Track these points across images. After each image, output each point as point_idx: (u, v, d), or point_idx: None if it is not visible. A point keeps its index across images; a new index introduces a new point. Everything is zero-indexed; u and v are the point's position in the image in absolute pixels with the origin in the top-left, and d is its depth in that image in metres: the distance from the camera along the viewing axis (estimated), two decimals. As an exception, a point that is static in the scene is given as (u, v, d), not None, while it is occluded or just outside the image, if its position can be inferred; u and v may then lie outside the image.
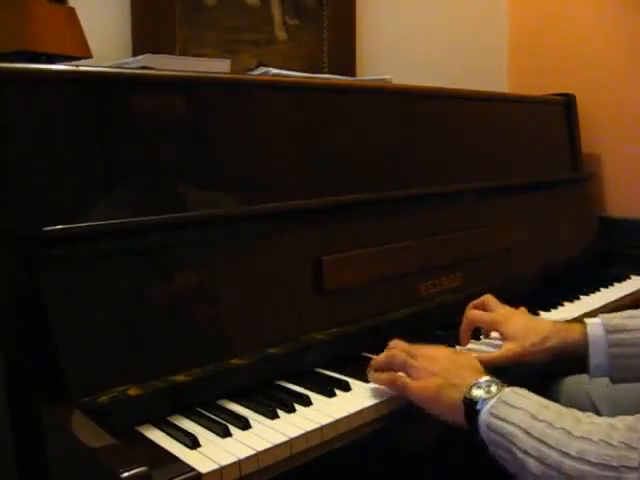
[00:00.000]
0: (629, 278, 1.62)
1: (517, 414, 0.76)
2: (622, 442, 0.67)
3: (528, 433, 0.73)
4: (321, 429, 0.85)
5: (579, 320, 1.05)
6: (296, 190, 1.13)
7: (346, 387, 0.96)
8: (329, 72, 1.70)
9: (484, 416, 0.79)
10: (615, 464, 0.66)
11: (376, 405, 0.92)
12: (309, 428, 0.84)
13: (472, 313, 1.12)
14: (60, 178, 0.88)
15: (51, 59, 1.14)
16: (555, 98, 1.85)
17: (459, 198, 1.39)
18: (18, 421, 0.86)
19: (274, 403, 0.89)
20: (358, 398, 0.93)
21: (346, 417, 0.88)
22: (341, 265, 1.12)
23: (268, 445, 0.79)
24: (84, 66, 0.94)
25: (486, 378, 0.84)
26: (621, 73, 1.86)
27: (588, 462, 0.67)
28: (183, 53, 1.47)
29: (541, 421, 0.73)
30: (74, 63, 1.11)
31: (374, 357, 0.99)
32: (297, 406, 0.89)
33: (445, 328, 1.20)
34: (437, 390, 0.86)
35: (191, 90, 1.04)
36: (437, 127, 1.43)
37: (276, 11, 1.64)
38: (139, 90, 0.98)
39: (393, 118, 1.33)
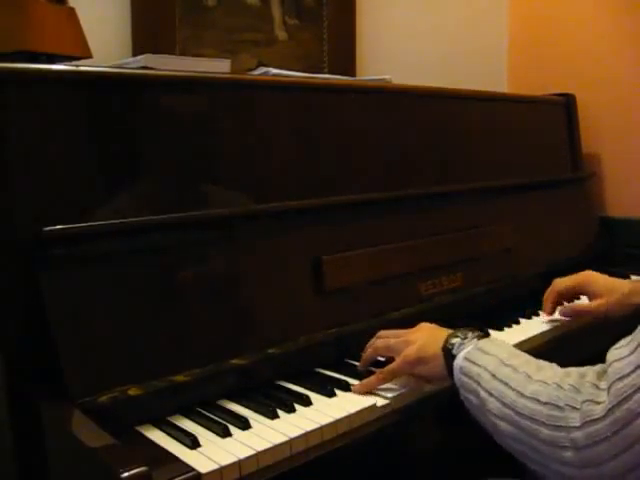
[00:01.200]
0: (629, 278, 1.62)
1: (487, 358, 0.82)
2: (571, 385, 0.71)
3: (493, 375, 0.79)
4: (321, 429, 0.85)
5: None
6: (296, 190, 1.13)
7: (346, 387, 0.96)
8: (329, 72, 1.70)
9: (459, 360, 0.85)
10: (561, 404, 0.70)
11: (376, 405, 0.92)
12: (309, 428, 0.84)
13: (557, 282, 1.23)
14: (60, 178, 0.88)
15: (51, 59, 1.14)
16: (555, 98, 1.85)
17: (459, 198, 1.39)
18: (18, 421, 0.86)
19: (274, 403, 0.89)
20: (358, 398, 0.93)
21: (346, 417, 0.88)
22: (341, 265, 1.12)
23: (268, 445, 0.79)
24: (84, 66, 0.95)
25: (464, 329, 0.90)
26: (621, 73, 1.86)
27: (539, 402, 0.72)
28: (183, 53, 1.47)
29: (508, 366, 0.79)
30: (74, 63, 1.10)
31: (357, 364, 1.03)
32: (297, 406, 0.90)
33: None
34: (418, 352, 0.93)
35: (191, 90, 1.04)
36: (437, 127, 1.43)
37: (276, 11, 1.64)
38: (139, 90, 0.98)
39: (393, 118, 1.33)
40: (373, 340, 1.02)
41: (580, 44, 1.96)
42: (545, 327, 1.25)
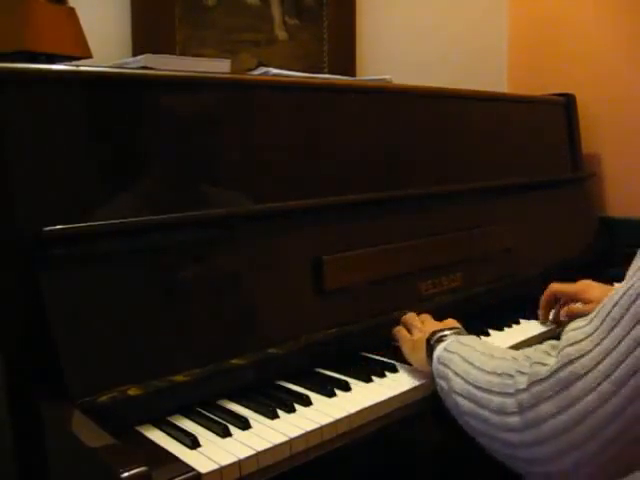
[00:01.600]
0: (629, 278, 1.61)
1: (463, 347, 0.87)
2: (525, 355, 0.75)
3: (463, 358, 0.84)
4: (321, 429, 0.85)
5: None
6: (296, 190, 1.13)
7: (346, 387, 0.96)
8: (329, 72, 1.70)
9: (438, 351, 0.91)
10: (512, 372, 0.74)
11: (376, 405, 0.92)
12: (309, 428, 0.84)
13: (555, 285, 1.25)
14: (60, 178, 0.88)
15: (51, 59, 1.14)
16: (555, 98, 1.85)
17: (459, 198, 1.39)
18: (18, 421, 0.86)
19: (274, 403, 0.89)
20: (358, 398, 0.93)
21: (346, 417, 0.88)
22: (341, 265, 1.12)
23: (268, 445, 0.79)
24: (84, 66, 0.94)
25: (454, 326, 0.98)
26: (621, 73, 1.86)
27: (495, 374, 0.77)
28: (183, 53, 1.47)
29: (479, 352, 0.84)
30: (74, 63, 1.11)
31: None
32: (297, 406, 0.90)
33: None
34: (417, 340, 1.00)
35: (191, 90, 1.04)
36: (437, 127, 1.43)
37: (276, 11, 1.64)
38: (139, 90, 0.98)
39: (393, 118, 1.33)
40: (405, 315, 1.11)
41: (580, 44, 1.96)
42: (545, 327, 1.26)
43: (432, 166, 1.39)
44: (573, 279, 1.52)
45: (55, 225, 0.84)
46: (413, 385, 0.98)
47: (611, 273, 1.62)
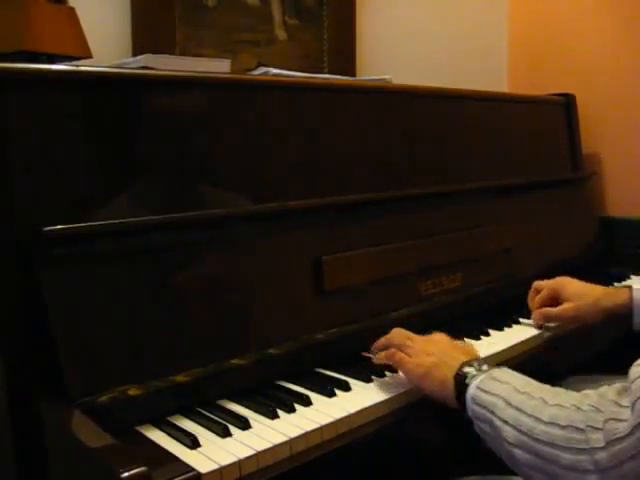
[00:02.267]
0: (629, 278, 1.62)
1: (501, 387, 0.79)
2: (591, 406, 0.69)
3: (508, 403, 0.76)
4: (321, 429, 0.85)
5: (627, 286, 1.20)
6: (296, 190, 1.13)
7: (346, 387, 0.96)
8: (329, 72, 1.70)
9: (472, 390, 0.82)
10: (582, 426, 0.68)
11: (376, 405, 0.92)
12: (309, 428, 0.84)
13: (536, 282, 1.28)
14: (60, 178, 0.88)
15: (51, 59, 1.14)
16: (555, 98, 1.85)
17: (459, 198, 1.39)
18: (18, 421, 0.86)
19: (274, 403, 0.89)
20: (358, 398, 0.93)
21: (346, 417, 0.88)
22: (341, 265, 1.12)
23: (268, 445, 0.79)
24: (84, 66, 0.94)
25: (479, 358, 0.90)
26: (621, 73, 1.86)
27: (558, 426, 0.70)
28: (183, 53, 1.47)
29: (522, 393, 0.77)
30: (74, 63, 1.11)
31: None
32: (297, 406, 0.90)
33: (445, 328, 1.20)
34: (430, 367, 0.91)
35: (191, 90, 1.04)
36: (437, 127, 1.43)
37: (276, 11, 1.64)
38: (139, 90, 0.98)
39: (393, 118, 1.33)
40: (389, 334, 1.02)
41: (580, 44, 1.96)
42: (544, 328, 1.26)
43: (432, 166, 1.39)
44: (573, 279, 1.52)
45: (55, 225, 0.84)
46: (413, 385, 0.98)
47: (611, 273, 1.63)
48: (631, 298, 1.15)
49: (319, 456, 0.84)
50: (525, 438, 0.73)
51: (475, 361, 0.87)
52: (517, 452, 0.73)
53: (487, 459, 0.81)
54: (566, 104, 1.86)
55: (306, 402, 0.91)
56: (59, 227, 0.84)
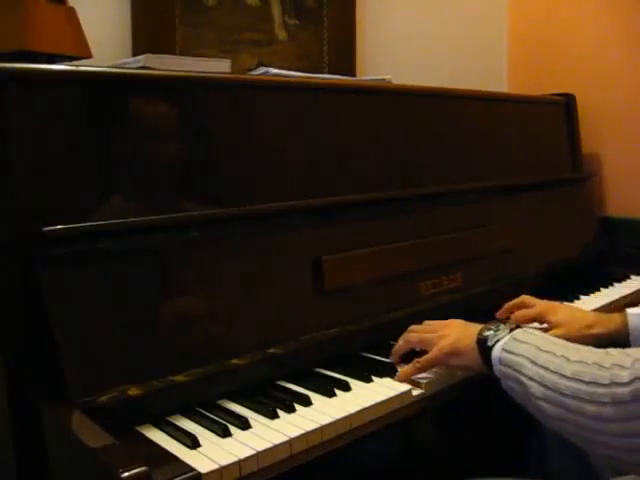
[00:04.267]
0: (629, 278, 1.62)
1: (525, 347, 0.85)
2: (614, 364, 0.73)
3: (533, 362, 0.82)
4: (321, 429, 0.85)
5: (620, 310, 1.15)
6: (296, 190, 1.13)
7: (346, 387, 0.96)
8: (329, 72, 1.70)
9: (496, 352, 0.89)
10: (606, 382, 0.72)
11: (376, 405, 0.92)
12: (309, 428, 0.84)
13: (517, 314, 1.18)
14: (60, 178, 0.88)
15: (51, 59, 1.14)
16: (555, 98, 1.85)
17: (459, 198, 1.39)
18: (18, 421, 0.86)
19: (274, 403, 0.89)
20: (358, 398, 0.93)
21: (346, 417, 0.88)
22: (341, 265, 1.12)
23: (268, 445, 0.79)
24: (84, 66, 0.94)
25: (495, 322, 0.95)
26: (621, 73, 1.86)
27: (582, 381, 0.75)
28: (183, 53, 1.47)
29: (546, 352, 0.82)
30: (74, 63, 1.11)
31: (393, 347, 1.06)
32: (297, 406, 0.90)
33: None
34: (452, 344, 0.97)
35: (191, 90, 1.04)
36: (437, 127, 1.43)
37: (276, 11, 1.64)
38: (139, 90, 0.98)
39: (393, 118, 1.33)
40: (405, 334, 1.06)
41: (580, 44, 1.96)
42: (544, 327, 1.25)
43: (432, 166, 1.39)
44: (573, 279, 1.52)
45: (55, 225, 0.84)
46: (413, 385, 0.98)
47: (611, 273, 1.63)
48: (626, 324, 1.09)
49: (319, 456, 0.84)
50: (551, 392, 0.78)
51: (492, 324, 0.94)
52: (544, 405, 0.79)
53: (487, 458, 0.81)
54: (566, 104, 1.86)
55: (306, 402, 0.91)
56: (59, 227, 0.84)
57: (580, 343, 1.11)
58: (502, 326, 0.93)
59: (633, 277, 1.62)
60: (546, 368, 0.80)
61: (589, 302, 1.41)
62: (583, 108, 1.88)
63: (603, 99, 1.90)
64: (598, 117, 1.91)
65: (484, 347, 0.91)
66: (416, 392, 0.97)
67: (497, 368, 0.88)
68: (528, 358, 0.83)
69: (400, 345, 1.05)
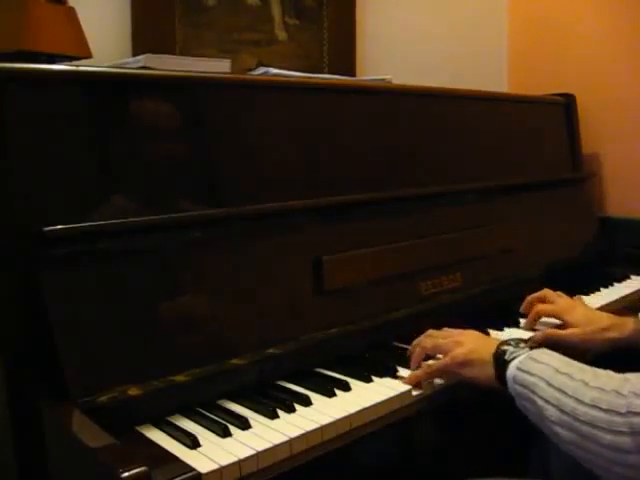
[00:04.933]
0: (629, 278, 1.62)
1: (541, 367, 0.83)
2: (632, 392, 0.72)
3: (549, 384, 0.80)
4: (321, 429, 0.85)
5: (633, 314, 1.16)
6: (296, 190, 1.13)
7: (346, 387, 0.96)
8: (329, 72, 1.70)
9: (512, 370, 0.87)
10: (623, 410, 0.71)
11: (376, 405, 0.92)
12: (309, 428, 0.84)
13: (538, 307, 1.22)
14: (60, 178, 0.88)
15: (51, 59, 1.14)
16: (555, 98, 1.85)
17: (459, 198, 1.39)
18: (18, 421, 0.86)
19: (274, 403, 0.89)
20: (358, 398, 0.93)
21: (346, 417, 0.88)
22: (341, 265, 1.12)
23: (268, 445, 0.79)
24: (84, 66, 0.94)
25: (514, 339, 0.93)
26: (621, 73, 1.86)
27: (599, 409, 0.73)
28: (183, 53, 1.47)
29: (562, 374, 0.80)
30: (74, 63, 1.11)
31: (404, 346, 1.08)
32: (297, 406, 0.89)
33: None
34: (467, 355, 0.96)
35: (191, 90, 1.04)
36: (437, 127, 1.43)
37: (276, 11, 1.64)
38: (139, 90, 0.98)
39: (393, 118, 1.33)
40: (421, 338, 1.05)
41: (580, 44, 1.96)
42: (544, 327, 1.25)
43: (432, 166, 1.39)
44: (573, 279, 1.52)
45: (55, 225, 0.84)
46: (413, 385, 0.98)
47: (611, 273, 1.63)
48: (638, 330, 1.11)
49: (319, 456, 0.84)
50: (567, 418, 0.76)
51: (512, 340, 0.92)
52: (559, 430, 0.78)
53: (488, 458, 0.81)
54: (566, 104, 1.86)
55: (306, 402, 0.91)
56: (59, 227, 0.84)
57: (594, 345, 1.13)
58: (522, 344, 0.91)
59: (633, 277, 1.62)
60: (563, 392, 0.78)
61: (589, 302, 1.40)
62: (583, 108, 1.88)
63: (603, 99, 1.90)
64: (598, 117, 1.91)
65: (500, 362, 0.90)
66: (416, 392, 0.97)
67: (512, 387, 0.86)
68: (544, 379, 0.81)
69: (417, 352, 1.03)
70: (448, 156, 1.44)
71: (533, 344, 0.92)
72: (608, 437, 0.72)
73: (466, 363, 0.95)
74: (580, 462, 0.78)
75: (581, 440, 0.75)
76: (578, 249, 1.70)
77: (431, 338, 1.04)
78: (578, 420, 0.75)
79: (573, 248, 1.68)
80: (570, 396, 0.77)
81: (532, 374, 0.83)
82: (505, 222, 1.46)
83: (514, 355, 0.88)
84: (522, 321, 1.27)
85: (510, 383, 0.86)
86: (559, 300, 1.22)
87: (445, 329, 1.06)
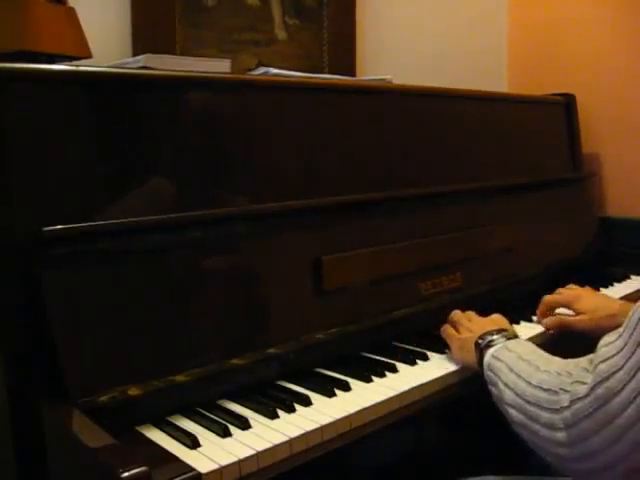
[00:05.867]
0: (629, 278, 1.62)
1: (509, 355, 0.89)
2: (567, 371, 0.77)
3: (511, 368, 0.86)
4: (321, 429, 0.85)
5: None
6: (296, 190, 1.13)
7: (346, 387, 0.96)
8: (329, 72, 1.70)
9: (487, 358, 0.93)
10: (556, 389, 0.75)
11: (376, 405, 0.92)
12: (309, 428, 0.84)
13: (547, 297, 1.27)
14: (60, 178, 0.88)
15: (51, 59, 1.14)
16: (555, 98, 1.85)
17: (459, 198, 1.39)
18: (18, 421, 0.86)
19: (274, 403, 0.89)
20: (358, 398, 0.93)
21: (346, 417, 0.88)
22: (341, 265, 1.12)
23: (268, 445, 0.79)
24: (84, 66, 0.94)
25: (502, 329, 0.99)
26: (621, 73, 1.86)
27: (542, 389, 0.78)
28: (183, 53, 1.46)
29: (524, 360, 0.85)
30: (74, 63, 1.10)
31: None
32: (297, 406, 0.90)
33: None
34: (465, 340, 1.03)
35: (191, 90, 1.04)
36: (437, 127, 1.43)
37: (276, 11, 1.64)
38: (139, 90, 0.98)
39: (393, 118, 1.33)
40: (452, 313, 1.14)
41: (580, 44, 1.96)
42: (543, 328, 1.25)
43: (432, 166, 1.39)
44: (573, 279, 1.52)
45: (55, 225, 0.84)
46: (413, 385, 0.98)
47: (611, 273, 1.63)
48: None
49: (319, 456, 0.84)
50: (519, 399, 0.81)
51: (495, 331, 0.98)
52: (511, 411, 0.82)
53: (487, 457, 0.81)
54: (566, 104, 1.86)
55: (306, 402, 0.91)
56: (59, 227, 0.84)
57: (603, 331, 1.16)
58: (503, 333, 0.97)
59: (633, 277, 1.62)
60: (519, 376, 0.83)
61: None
62: (583, 108, 1.88)
63: (603, 99, 1.90)
64: (598, 117, 1.91)
65: (479, 350, 0.97)
66: (416, 392, 0.97)
67: (486, 373, 0.92)
68: (507, 365, 0.87)
69: (449, 318, 1.14)
70: (448, 156, 1.44)
71: (514, 333, 0.98)
72: (545, 415, 0.75)
73: (461, 348, 1.03)
74: (528, 444, 0.81)
75: (526, 420, 0.79)
76: (578, 249, 1.70)
77: (459, 315, 1.12)
78: (526, 401, 0.79)
79: (573, 248, 1.68)
80: (524, 379, 0.82)
81: (500, 360, 0.89)
82: (505, 222, 1.46)
83: (492, 343, 0.95)
84: (522, 322, 1.27)
85: (485, 370, 0.92)
86: (567, 290, 1.27)
87: (469, 312, 1.13)
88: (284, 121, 1.15)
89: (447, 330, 1.10)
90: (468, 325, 1.07)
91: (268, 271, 1.03)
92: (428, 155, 1.39)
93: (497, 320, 1.06)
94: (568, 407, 0.72)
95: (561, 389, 0.74)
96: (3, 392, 0.85)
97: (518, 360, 0.86)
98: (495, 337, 0.96)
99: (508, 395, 0.83)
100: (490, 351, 0.94)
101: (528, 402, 0.79)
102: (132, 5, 1.42)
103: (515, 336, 0.98)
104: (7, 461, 0.87)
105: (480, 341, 0.97)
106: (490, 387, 0.90)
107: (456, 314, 1.13)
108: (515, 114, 1.69)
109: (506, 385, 0.85)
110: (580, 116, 1.88)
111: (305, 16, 1.69)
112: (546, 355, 0.87)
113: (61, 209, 0.87)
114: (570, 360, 0.80)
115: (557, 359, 0.84)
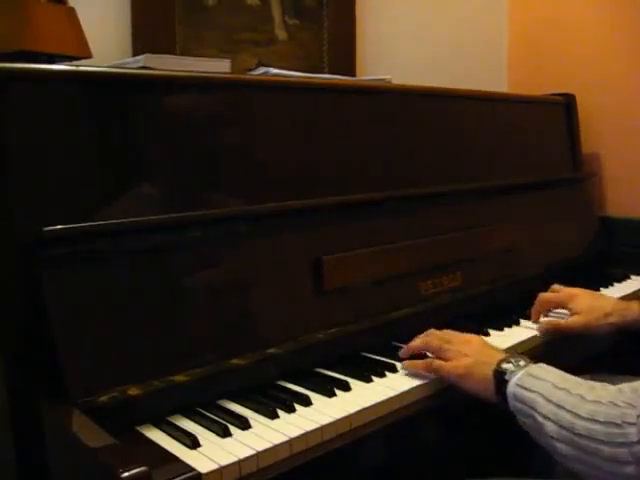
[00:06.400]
0: (629, 278, 1.62)
1: (540, 384, 0.84)
2: (626, 402, 0.73)
3: (548, 399, 0.81)
4: (321, 429, 0.85)
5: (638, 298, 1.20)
6: (296, 190, 1.13)
7: (346, 387, 0.96)
8: (329, 72, 1.70)
9: (511, 387, 0.87)
10: (618, 421, 0.72)
11: (376, 405, 0.92)
12: (309, 428, 0.84)
13: (542, 295, 1.26)
14: (60, 178, 0.88)
15: (51, 59, 1.14)
16: (555, 98, 1.85)
17: (459, 198, 1.39)
18: (18, 421, 0.86)
19: (274, 403, 0.89)
20: (358, 398, 0.93)
21: (346, 417, 0.88)
22: (341, 265, 1.12)
23: (268, 445, 0.79)
24: (84, 66, 0.95)
25: (515, 354, 0.94)
26: (621, 73, 1.86)
27: (597, 421, 0.74)
28: (183, 53, 1.46)
29: (560, 389, 0.81)
30: (74, 63, 1.11)
31: (404, 346, 1.06)
32: (297, 406, 0.90)
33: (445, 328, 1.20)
34: (469, 367, 0.95)
35: (191, 90, 1.04)
36: (437, 127, 1.43)
37: (276, 11, 1.64)
38: (139, 90, 0.98)
39: (393, 118, 1.33)
40: (425, 335, 1.05)
41: (580, 44, 1.96)
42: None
43: (432, 166, 1.39)
44: (573, 279, 1.52)
45: (55, 225, 0.84)
46: (413, 385, 0.98)
47: (611, 273, 1.63)
48: None
49: (319, 456, 0.84)
50: (566, 433, 0.77)
51: (512, 357, 0.92)
52: (559, 445, 0.78)
53: (488, 459, 0.81)
54: (566, 104, 1.86)
55: (306, 402, 0.91)
56: (59, 227, 0.84)
57: (598, 329, 1.16)
58: (522, 362, 0.90)
59: (633, 277, 1.62)
60: (561, 406, 0.79)
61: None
62: (583, 108, 1.88)
63: (603, 99, 1.90)
64: (598, 117, 1.91)
65: (500, 379, 0.90)
66: (416, 393, 0.97)
67: (512, 404, 0.87)
68: (542, 395, 0.82)
69: (418, 345, 1.04)
70: (448, 156, 1.44)
71: (530, 361, 0.91)
72: (607, 449, 0.72)
73: (466, 376, 0.95)
74: (582, 477, 0.78)
75: (581, 454, 0.75)
76: (578, 249, 1.70)
77: (437, 339, 1.03)
78: (577, 434, 0.76)
79: (573, 248, 1.68)
80: (568, 411, 0.78)
81: (531, 390, 0.84)
82: (505, 222, 1.46)
83: (514, 372, 0.88)
84: (522, 321, 1.27)
85: (511, 400, 0.87)
86: (564, 290, 1.26)
87: (447, 331, 1.05)
88: (284, 121, 1.15)
89: (434, 364, 0.99)
90: (456, 348, 0.99)
91: (268, 271, 1.03)
92: (428, 155, 1.39)
93: (482, 341, 1.01)
94: (639, 442, 0.70)
95: (624, 422, 0.72)
96: (3, 392, 0.85)
97: (553, 389, 0.82)
98: (515, 365, 0.90)
99: (551, 428, 0.79)
100: (513, 380, 0.87)
101: (579, 435, 0.75)
102: (132, 5, 1.42)
103: (526, 360, 0.91)
104: (7, 461, 0.87)
105: (500, 369, 0.90)
106: (522, 419, 0.85)
107: (432, 340, 1.03)
108: (515, 114, 1.69)
109: (546, 417, 0.80)
110: (580, 116, 1.88)
111: (305, 16, 1.69)
112: (581, 380, 0.83)
113: (61, 209, 0.87)
114: (620, 386, 0.78)
115: (596, 384, 0.81)
